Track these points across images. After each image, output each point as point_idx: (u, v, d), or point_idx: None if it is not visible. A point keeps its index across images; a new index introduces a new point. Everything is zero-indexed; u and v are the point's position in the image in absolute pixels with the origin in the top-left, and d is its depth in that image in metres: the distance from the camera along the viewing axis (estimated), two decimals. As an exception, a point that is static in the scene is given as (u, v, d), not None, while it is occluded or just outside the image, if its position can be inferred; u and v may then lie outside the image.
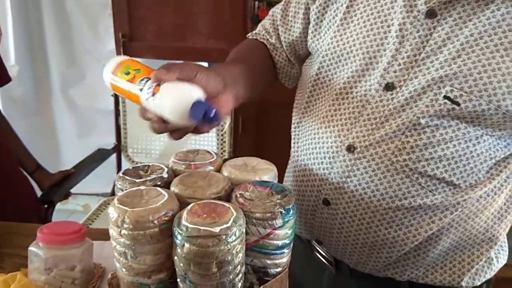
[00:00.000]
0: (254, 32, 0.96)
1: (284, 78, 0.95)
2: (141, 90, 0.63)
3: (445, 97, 0.66)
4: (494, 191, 0.74)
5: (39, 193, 1.63)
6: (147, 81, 0.63)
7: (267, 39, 0.93)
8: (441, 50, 0.67)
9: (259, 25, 0.97)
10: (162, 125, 0.62)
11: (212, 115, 0.60)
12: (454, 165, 0.69)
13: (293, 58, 0.91)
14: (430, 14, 0.68)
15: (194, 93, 0.61)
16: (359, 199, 0.74)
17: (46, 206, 1.56)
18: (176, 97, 0.60)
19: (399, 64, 0.70)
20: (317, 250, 0.87)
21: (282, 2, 0.90)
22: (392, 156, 0.70)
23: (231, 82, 0.70)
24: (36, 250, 0.72)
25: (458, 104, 0.65)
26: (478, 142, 0.68)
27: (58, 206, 1.63)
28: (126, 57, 0.69)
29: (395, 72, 0.70)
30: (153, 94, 0.61)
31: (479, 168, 0.70)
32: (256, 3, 2.17)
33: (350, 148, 0.73)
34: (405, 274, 0.78)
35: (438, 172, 0.69)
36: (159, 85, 0.61)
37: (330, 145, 0.76)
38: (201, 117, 0.59)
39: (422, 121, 0.68)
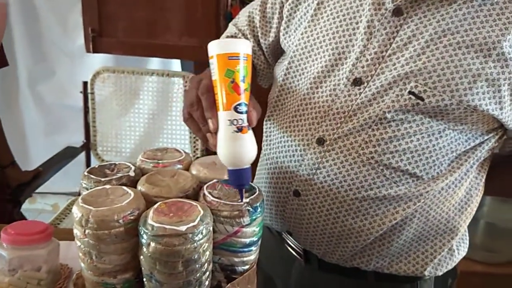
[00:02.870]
0: (229, 33, 0.95)
1: (262, 80, 0.96)
2: (235, 116, 0.61)
3: (410, 92, 0.69)
4: (455, 184, 0.77)
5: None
6: (244, 110, 0.62)
7: None
8: (407, 47, 0.70)
9: (231, 25, 0.96)
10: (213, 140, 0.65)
11: (246, 186, 0.64)
12: (417, 157, 0.72)
13: (272, 59, 0.92)
14: (397, 12, 0.70)
15: (250, 159, 0.63)
16: (328, 190, 0.76)
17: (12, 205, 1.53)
18: (241, 153, 0.62)
19: (367, 60, 0.72)
20: (287, 242, 0.89)
21: (259, 3, 0.89)
22: (359, 148, 0.73)
23: None
24: (0, 251, 0.70)
25: (422, 99, 0.68)
26: (441, 136, 0.71)
27: (26, 205, 1.60)
28: (249, 51, 0.64)
29: (363, 67, 0.72)
30: (238, 131, 0.61)
31: (441, 161, 0.73)
32: (229, 0, 2.16)
33: (320, 141, 0.75)
34: (370, 264, 0.81)
35: (402, 165, 0.72)
36: (248, 128, 0.63)
37: (301, 138, 0.78)
38: (237, 183, 0.63)
39: (388, 115, 0.70)
